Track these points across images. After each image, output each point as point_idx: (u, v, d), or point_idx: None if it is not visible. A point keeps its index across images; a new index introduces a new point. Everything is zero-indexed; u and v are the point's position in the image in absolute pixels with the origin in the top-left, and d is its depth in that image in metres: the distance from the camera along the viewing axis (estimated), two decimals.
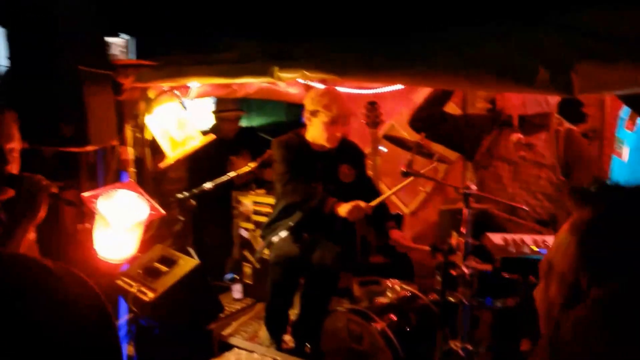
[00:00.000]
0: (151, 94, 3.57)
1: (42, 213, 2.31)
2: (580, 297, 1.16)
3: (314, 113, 3.87)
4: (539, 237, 2.91)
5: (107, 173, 3.32)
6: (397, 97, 4.81)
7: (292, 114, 6.53)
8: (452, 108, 4.11)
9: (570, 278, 1.19)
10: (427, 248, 3.45)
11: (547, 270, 1.27)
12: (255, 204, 4.85)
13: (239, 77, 2.99)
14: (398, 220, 4.22)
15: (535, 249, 2.83)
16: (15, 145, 2.29)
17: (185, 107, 3.76)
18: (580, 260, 1.18)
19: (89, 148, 3.03)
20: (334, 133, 3.86)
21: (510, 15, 2.21)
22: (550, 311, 1.26)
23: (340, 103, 3.84)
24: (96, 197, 2.67)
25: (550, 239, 2.89)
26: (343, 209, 3.66)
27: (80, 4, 2.94)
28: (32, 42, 2.92)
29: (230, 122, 5.32)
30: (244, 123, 5.73)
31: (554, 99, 3.31)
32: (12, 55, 2.99)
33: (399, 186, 3.82)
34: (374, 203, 3.73)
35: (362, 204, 3.66)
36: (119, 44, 3.57)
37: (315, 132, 3.91)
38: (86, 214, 3.01)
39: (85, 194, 2.66)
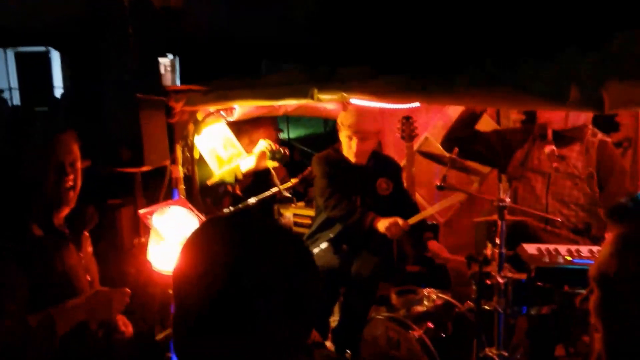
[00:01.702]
0: (199, 116, 3.76)
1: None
2: None
3: (339, 129, 4.04)
4: (573, 247, 2.95)
5: (160, 191, 3.50)
6: (432, 110, 4.93)
7: (330, 126, 6.58)
8: (486, 121, 4.19)
9: (632, 286, 1.25)
10: (463, 259, 3.53)
11: (600, 280, 1.32)
12: (296, 216, 5.01)
13: (281, 99, 3.15)
14: (435, 230, 4.28)
15: (569, 258, 2.89)
16: (76, 161, 2.44)
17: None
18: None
19: (145, 169, 3.22)
20: (359, 148, 3.98)
21: (543, 40, 2.30)
22: (612, 317, 1.31)
23: (362, 119, 3.94)
24: (151, 213, 2.85)
25: (584, 249, 2.96)
26: (382, 225, 3.78)
27: (137, 32, 3.12)
28: (91, 69, 3.12)
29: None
30: (282, 135, 5.87)
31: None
32: (72, 81, 3.19)
33: (440, 205, 3.92)
34: (412, 221, 3.83)
35: (400, 221, 3.76)
36: (164, 63, 3.75)
37: (344, 147, 4.06)
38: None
39: (141, 211, 2.85)
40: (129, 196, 3.42)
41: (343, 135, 4.01)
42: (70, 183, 2.40)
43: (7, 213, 2.34)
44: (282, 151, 4.15)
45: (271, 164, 4.18)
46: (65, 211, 2.45)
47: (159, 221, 2.85)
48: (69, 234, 2.48)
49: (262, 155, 4.12)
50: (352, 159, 4.03)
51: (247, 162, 4.15)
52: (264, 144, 4.12)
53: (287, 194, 3.79)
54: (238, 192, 4.38)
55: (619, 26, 2.15)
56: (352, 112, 3.95)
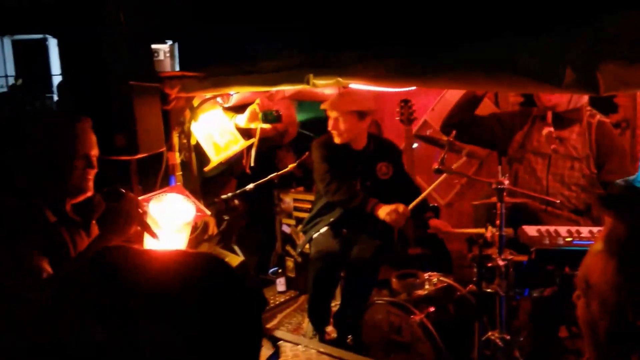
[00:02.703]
0: (195, 102, 3.73)
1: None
2: (629, 329, 1.11)
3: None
4: (573, 228, 2.93)
5: (156, 178, 3.47)
6: (430, 94, 4.90)
7: None
8: (485, 103, 4.15)
9: (612, 300, 1.13)
10: (468, 231, 3.52)
11: (585, 287, 1.20)
12: (296, 200, 5.00)
13: (276, 85, 3.11)
14: (435, 211, 4.28)
15: (570, 240, 2.88)
16: (96, 152, 2.45)
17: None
18: (623, 285, 1.12)
19: (140, 156, 3.20)
20: (332, 127, 3.96)
21: (537, 21, 2.28)
22: (594, 331, 1.19)
23: (337, 99, 3.95)
24: (147, 200, 2.82)
25: (585, 229, 2.94)
26: (383, 212, 3.77)
27: (130, 18, 3.09)
28: (85, 56, 3.10)
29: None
30: None
31: None
32: (65, 68, 3.16)
33: (436, 184, 3.91)
34: (412, 205, 3.82)
35: (401, 207, 3.76)
36: (163, 49, 3.72)
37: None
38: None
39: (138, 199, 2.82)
40: (124, 184, 3.39)
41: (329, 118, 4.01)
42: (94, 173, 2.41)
43: (22, 198, 2.32)
44: (274, 113, 4.07)
45: (265, 127, 4.13)
46: (82, 198, 2.45)
47: (155, 209, 2.82)
48: (80, 221, 2.47)
49: (253, 114, 4.06)
50: (338, 140, 4.01)
51: (238, 121, 4.12)
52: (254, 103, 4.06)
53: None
54: (247, 170, 4.35)
55: (612, 6, 2.12)
56: (336, 95, 3.97)
